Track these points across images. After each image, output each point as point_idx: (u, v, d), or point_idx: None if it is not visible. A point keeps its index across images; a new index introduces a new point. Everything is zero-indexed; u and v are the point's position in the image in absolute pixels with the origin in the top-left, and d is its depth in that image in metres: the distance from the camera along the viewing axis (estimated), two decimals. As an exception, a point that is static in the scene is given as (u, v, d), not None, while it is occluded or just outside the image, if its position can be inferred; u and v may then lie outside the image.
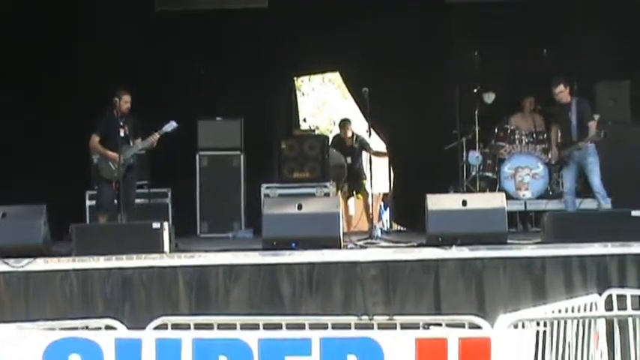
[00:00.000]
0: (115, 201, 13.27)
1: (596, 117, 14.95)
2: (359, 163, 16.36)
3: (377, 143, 16.57)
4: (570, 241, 10.80)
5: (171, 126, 13.34)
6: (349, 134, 16.39)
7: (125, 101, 13.27)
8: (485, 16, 16.33)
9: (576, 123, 13.61)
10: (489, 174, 15.00)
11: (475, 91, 15.02)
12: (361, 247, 11.93)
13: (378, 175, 16.57)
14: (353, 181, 16.35)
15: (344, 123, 16.76)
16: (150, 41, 16.08)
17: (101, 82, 14.36)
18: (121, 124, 13.31)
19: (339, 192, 15.91)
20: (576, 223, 11.80)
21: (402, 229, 16.15)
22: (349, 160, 16.28)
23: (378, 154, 16.30)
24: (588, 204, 13.87)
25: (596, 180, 13.44)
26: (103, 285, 10.42)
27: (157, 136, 13.29)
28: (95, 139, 13.24)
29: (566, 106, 13.68)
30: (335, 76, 23.84)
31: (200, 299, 10.30)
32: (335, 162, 16.33)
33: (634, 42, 15.30)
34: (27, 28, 15.18)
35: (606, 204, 13.34)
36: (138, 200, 14.77)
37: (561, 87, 13.63)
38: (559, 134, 14.09)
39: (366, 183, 16.21)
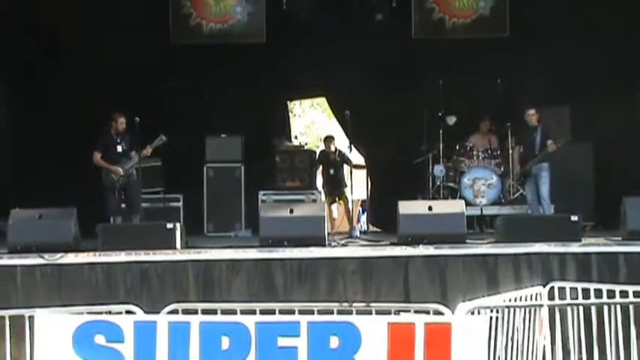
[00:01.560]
0: (123, 205, 13.34)
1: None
2: (341, 174, 16.32)
3: (357, 157, 16.54)
4: (519, 241, 10.79)
5: (161, 140, 13.41)
6: (332, 149, 16.37)
7: (120, 122, 13.39)
8: (448, 50, 16.35)
9: (539, 142, 13.74)
10: (451, 184, 15.01)
11: (439, 114, 15.05)
12: (343, 245, 11.92)
13: (358, 184, 16.55)
14: (335, 189, 16.32)
15: (328, 139, 16.75)
16: (165, 69, 16.09)
17: (125, 100, 14.36)
18: (118, 140, 13.41)
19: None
20: (524, 226, 11.80)
21: (377, 230, 16.11)
22: (332, 171, 16.26)
23: (357, 166, 16.29)
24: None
25: (545, 191, 13.66)
26: (124, 276, 10.37)
27: (149, 149, 13.39)
28: (97, 155, 13.32)
29: (534, 128, 13.81)
30: (321, 101, 23.80)
31: (206, 288, 10.26)
32: None
33: (572, 74, 15.32)
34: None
35: (549, 211, 13.45)
36: (154, 204, 14.83)
37: (533, 111, 13.92)
38: (521, 152, 14.25)
39: (347, 191, 16.23)
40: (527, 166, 14.10)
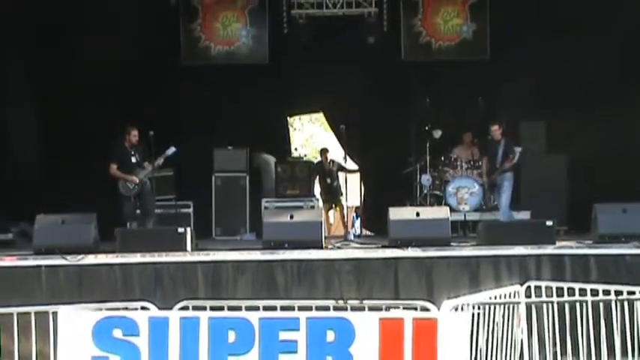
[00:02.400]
0: (138, 211, 13.35)
1: (519, 149, 15.04)
2: (336, 183, 16.34)
3: (351, 164, 16.55)
4: (499, 244, 10.80)
5: (171, 150, 13.41)
6: (328, 160, 16.38)
7: (134, 135, 13.39)
8: (434, 71, 16.41)
9: (502, 155, 13.77)
10: (437, 192, 15.00)
11: (426, 128, 15.03)
12: (338, 247, 11.92)
13: (352, 192, 16.55)
14: (332, 197, 16.33)
15: (323, 152, 16.77)
16: (177, 87, 16.13)
17: (140, 115, 14.37)
18: (132, 152, 13.41)
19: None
20: (503, 230, 11.84)
21: (370, 233, 16.10)
22: (328, 180, 16.27)
23: (351, 171, 16.33)
24: (515, 216, 13.92)
25: (504, 200, 13.74)
26: (139, 275, 10.37)
27: (161, 159, 13.37)
28: (113, 166, 13.30)
29: (498, 142, 13.85)
30: (319, 116, 23.80)
31: (214, 287, 10.25)
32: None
33: (547, 93, 15.36)
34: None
35: (505, 218, 13.41)
36: (167, 210, 14.82)
37: (496, 126, 13.94)
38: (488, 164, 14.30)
39: (342, 198, 16.26)
40: (493, 176, 14.19)
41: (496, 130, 13.96)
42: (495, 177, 14.13)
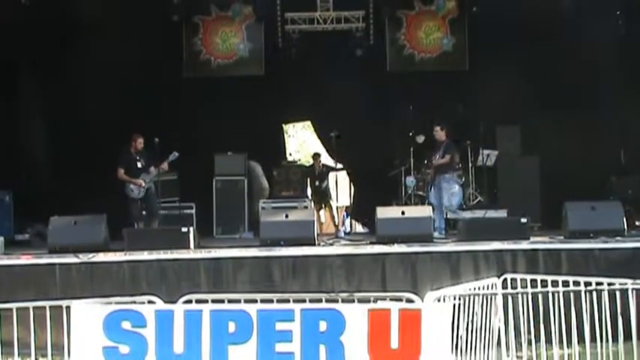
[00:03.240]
0: (144, 212, 13.35)
1: (496, 152, 15.08)
2: (325, 185, 16.36)
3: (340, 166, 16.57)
4: (478, 240, 10.83)
5: (174, 155, 13.43)
6: (319, 164, 16.43)
7: (139, 142, 13.43)
8: (417, 81, 16.45)
9: (440, 156, 13.50)
10: (421, 192, 15.00)
11: (410, 134, 15.08)
12: (330, 244, 11.95)
13: (342, 193, 16.58)
14: (322, 198, 16.36)
15: (314, 156, 16.81)
16: (180, 97, 16.14)
17: (146, 123, 14.37)
18: (138, 158, 13.42)
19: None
20: (482, 227, 11.86)
21: (363, 230, 16.14)
22: (317, 183, 16.32)
23: (340, 170, 16.37)
24: (493, 214, 13.92)
25: (446, 200, 13.32)
26: (146, 272, 10.36)
27: (165, 164, 13.38)
28: (121, 171, 13.32)
29: (441, 143, 13.59)
30: (310, 123, 23.75)
31: (215, 281, 10.24)
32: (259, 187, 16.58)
33: (521, 100, 15.40)
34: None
35: (440, 217, 13.12)
36: (171, 212, 14.83)
37: (438, 128, 13.60)
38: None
39: (332, 200, 16.30)
40: (426, 170, 14.26)
41: (438, 132, 13.62)
42: (427, 172, 14.13)
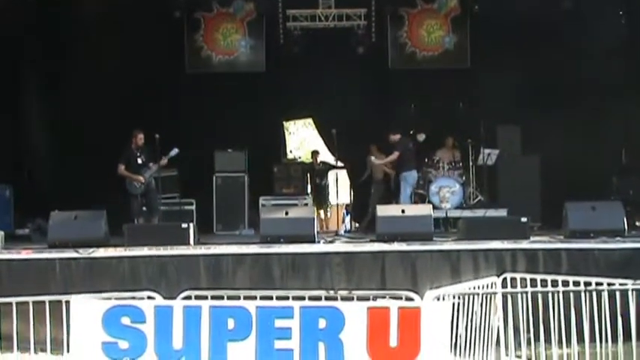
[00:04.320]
0: (144, 208, 13.34)
1: (497, 151, 15.08)
2: (325, 182, 16.37)
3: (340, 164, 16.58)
4: (477, 239, 10.82)
5: (174, 151, 13.41)
6: (318, 161, 16.42)
7: (140, 138, 13.42)
8: (418, 79, 16.44)
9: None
10: (421, 191, 15.01)
11: (411, 132, 15.07)
12: (329, 242, 11.93)
13: (343, 191, 16.57)
14: (320, 195, 16.37)
15: (314, 154, 16.80)
16: (181, 94, 16.14)
17: (147, 119, 14.37)
18: (138, 154, 13.41)
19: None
20: (482, 226, 11.86)
21: (359, 228, 16.13)
22: (317, 180, 16.31)
23: (339, 167, 16.38)
24: (493, 213, 13.93)
25: (401, 198, 13.84)
26: (146, 267, 10.35)
27: (165, 160, 13.35)
28: (121, 167, 13.31)
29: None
30: (311, 120, 23.75)
31: (215, 278, 10.23)
32: None
33: (523, 99, 15.40)
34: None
35: None
36: (171, 207, 14.82)
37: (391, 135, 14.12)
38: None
39: (330, 198, 16.33)
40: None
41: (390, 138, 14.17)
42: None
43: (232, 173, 16.04)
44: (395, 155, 14.04)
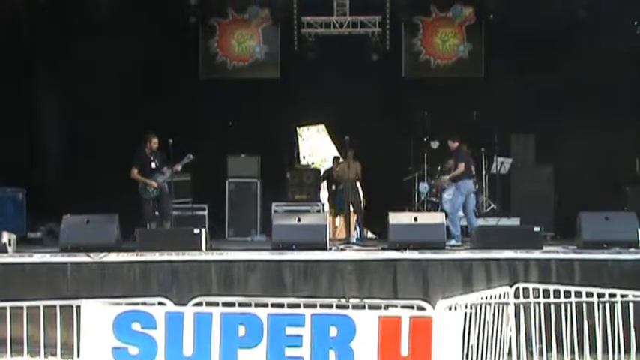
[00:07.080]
0: (157, 213, 13.32)
1: (510, 160, 15.01)
2: (342, 188, 16.26)
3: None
4: (490, 248, 10.78)
5: (188, 158, 13.32)
6: (337, 168, 16.37)
7: (154, 142, 13.32)
8: (432, 87, 16.40)
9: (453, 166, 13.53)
10: (434, 199, 14.96)
11: (425, 140, 15.03)
12: (341, 249, 11.91)
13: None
14: (338, 202, 16.27)
15: (336, 160, 16.76)
16: (195, 99, 16.14)
17: (160, 124, 14.33)
18: (152, 158, 13.33)
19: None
20: (494, 235, 11.77)
21: (373, 235, 16.07)
22: (334, 186, 16.22)
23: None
24: (506, 222, 13.86)
25: (446, 208, 13.44)
26: (157, 273, 10.37)
27: (179, 166, 13.28)
28: (134, 171, 13.23)
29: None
30: (324, 127, 23.74)
31: (226, 284, 10.24)
32: None
33: (537, 109, 15.36)
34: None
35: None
36: (183, 213, 14.80)
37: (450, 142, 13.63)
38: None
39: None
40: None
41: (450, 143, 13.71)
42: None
43: (245, 179, 16.02)
44: (461, 168, 13.25)
